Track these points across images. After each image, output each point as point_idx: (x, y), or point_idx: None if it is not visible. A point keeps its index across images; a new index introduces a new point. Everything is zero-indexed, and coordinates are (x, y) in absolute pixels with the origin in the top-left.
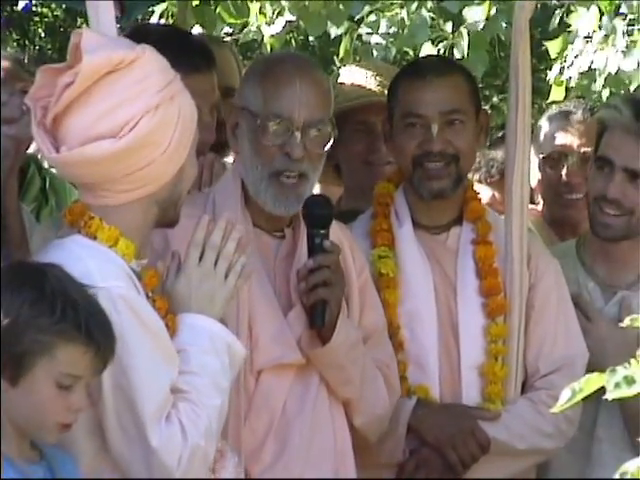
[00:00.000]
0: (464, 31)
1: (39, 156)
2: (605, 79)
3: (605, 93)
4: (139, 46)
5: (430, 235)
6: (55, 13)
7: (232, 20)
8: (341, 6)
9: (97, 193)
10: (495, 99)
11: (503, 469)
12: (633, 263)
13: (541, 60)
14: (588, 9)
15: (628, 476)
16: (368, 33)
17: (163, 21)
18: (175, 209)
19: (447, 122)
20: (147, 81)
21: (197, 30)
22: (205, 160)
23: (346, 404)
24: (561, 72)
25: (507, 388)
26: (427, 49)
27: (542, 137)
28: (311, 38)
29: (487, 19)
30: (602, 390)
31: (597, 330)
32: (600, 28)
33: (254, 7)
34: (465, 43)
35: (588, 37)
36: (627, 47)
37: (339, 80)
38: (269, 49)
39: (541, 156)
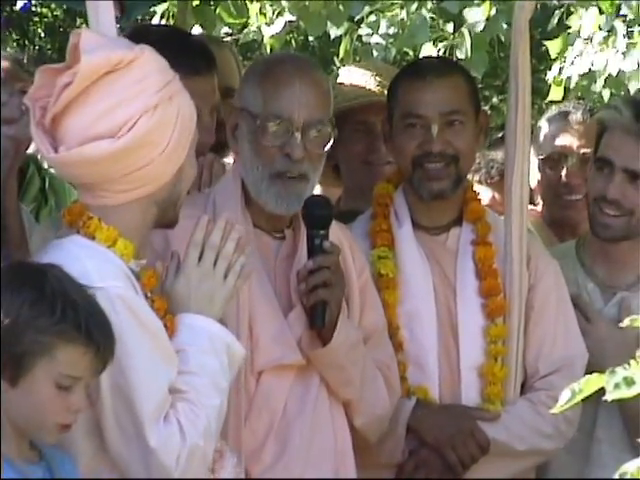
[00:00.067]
0: (466, 31)
1: (39, 156)
2: (605, 80)
3: (606, 94)
4: (138, 46)
5: (430, 236)
6: (55, 13)
7: (231, 20)
8: (341, 6)
9: (96, 193)
10: (495, 100)
11: (502, 470)
12: (633, 264)
13: (541, 60)
14: (587, 9)
15: (628, 476)
16: (368, 34)
17: (164, 22)
18: (174, 209)
19: (447, 123)
20: (146, 81)
21: (197, 30)
22: (205, 160)
23: (346, 405)
24: (560, 72)
25: (506, 389)
26: (427, 49)
27: (542, 138)
28: (311, 38)
29: (487, 19)
30: (601, 391)
31: (596, 331)
32: (600, 29)
33: (254, 7)
34: (468, 43)
35: (588, 38)
36: (627, 48)
37: (338, 80)
38: (269, 49)
39: (541, 157)
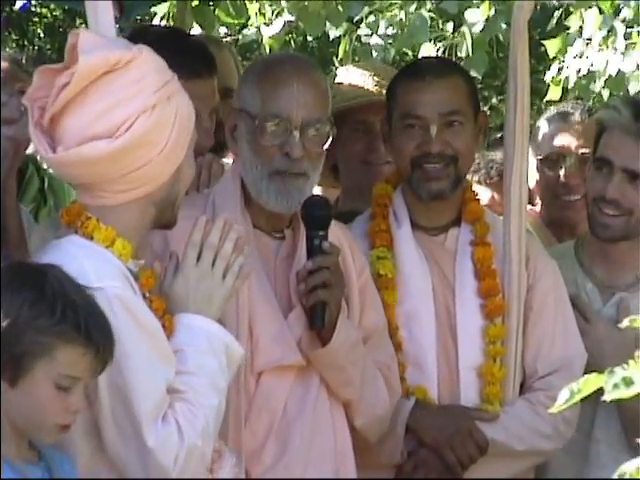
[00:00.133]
0: (466, 30)
1: (38, 157)
2: (605, 81)
3: (605, 94)
4: (136, 46)
5: (429, 236)
6: (54, 13)
7: (231, 20)
8: (340, 7)
9: (94, 193)
10: (494, 100)
11: (501, 470)
12: (632, 264)
13: (540, 61)
14: (585, 10)
15: (627, 477)
16: (367, 34)
17: (164, 23)
18: (173, 210)
19: (446, 123)
20: (144, 81)
21: (196, 31)
22: (203, 161)
23: (346, 405)
24: (559, 71)
25: (505, 389)
26: (426, 49)
27: (540, 138)
28: (310, 39)
29: (486, 20)
30: (600, 391)
31: (595, 331)
32: (600, 29)
33: (253, 7)
34: (469, 42)
35: (587, 39)
36: (626, 49)
37: (336, 80)
38: (268, 50)
39: (539, 157)
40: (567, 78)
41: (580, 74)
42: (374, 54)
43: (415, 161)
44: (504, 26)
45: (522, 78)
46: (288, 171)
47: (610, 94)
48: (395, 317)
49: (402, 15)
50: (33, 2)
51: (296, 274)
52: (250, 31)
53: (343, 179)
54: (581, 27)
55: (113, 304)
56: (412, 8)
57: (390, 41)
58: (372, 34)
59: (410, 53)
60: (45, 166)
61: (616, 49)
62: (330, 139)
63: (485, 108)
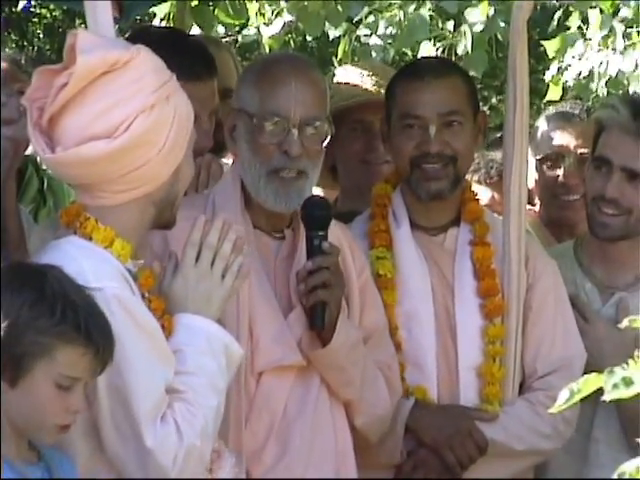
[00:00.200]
0: (467, 28)
1: (37, 157)
2: (605, 82)
3: (604, 93)
4: (134, 46)
5: (428, 236)
6: (54, 14)
7: (230, 21)
8: (340, 7)
9: (93, 194)
10: (493, 100)
11: (501, 470)
12: (631, 264)
13: (539, 61)
14: (585, 10)
15: (626, 476)
16: (367, 34)
17: (164, 23)
18: (172, 210)
19: (445, 123)
20: (142, 81)
21: (195, 31)
22: (202, 161)
23: (347, 405)
24: (559, 71)
25: (505, 389)
26: (426, 49)
27: (539, 138)
28: (309, 39)
29: (486, 19)
30: (599, 391)
31: (595, 331)
32: (600, 29)
33: (253, 8)
34: (469, 41)
35: (588, 39)
36: (625, 49)
37: (335, 80)
38: (268, 50)
39: (538, 157)
40: (566, 77)
41: (581, 76)
42: (373, 54)
43: (414, 161)
44: (503, 25)
45: (521, 78)
46: (287, 169)
47: (609, 94)
48: (394, 317)
49: (401, 15)
50: (33, 2)
51: (296, 274)
52: (250, 31)
53: (342, 179)
54: (581, 27)
55: (111, 304)
56: (411, 8)
57: (389, 41)
58: (371, 34)
59: (409, 53)
60: (44, 167)
61: (615, 49)
62: (328, 138)
63: (484, 108)
